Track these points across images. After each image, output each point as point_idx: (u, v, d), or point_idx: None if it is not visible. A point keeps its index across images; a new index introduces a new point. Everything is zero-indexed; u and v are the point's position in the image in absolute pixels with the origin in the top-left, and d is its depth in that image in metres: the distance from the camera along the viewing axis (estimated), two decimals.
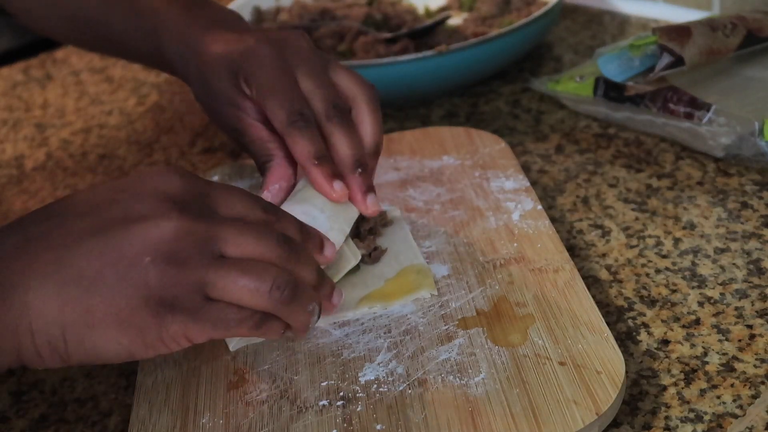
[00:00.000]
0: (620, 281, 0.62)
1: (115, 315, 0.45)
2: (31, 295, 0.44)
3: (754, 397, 0.51)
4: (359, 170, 0.61)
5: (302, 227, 0.52)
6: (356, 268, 0.60)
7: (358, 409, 0.51)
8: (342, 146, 0.60)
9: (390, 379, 0.52)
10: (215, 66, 0.64)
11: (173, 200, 0.47)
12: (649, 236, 0.65)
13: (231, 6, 1.02)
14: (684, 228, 0.66)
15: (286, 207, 0.58)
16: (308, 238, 0.52)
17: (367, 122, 0.63)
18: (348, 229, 0.60)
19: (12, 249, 0.46)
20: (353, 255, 0.59)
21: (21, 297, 0.44)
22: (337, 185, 0.59)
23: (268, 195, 0.61)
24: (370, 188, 0.61)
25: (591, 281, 0.62)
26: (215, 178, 0.76)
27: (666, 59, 0.75)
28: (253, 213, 0.50)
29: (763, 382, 0.52)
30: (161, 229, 0.46)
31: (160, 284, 0.45)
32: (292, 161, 0.62)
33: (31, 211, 0.49)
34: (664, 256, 0.63)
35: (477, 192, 0.68)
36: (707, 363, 0.54)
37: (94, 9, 0.75)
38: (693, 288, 0.60)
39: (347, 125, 0.61)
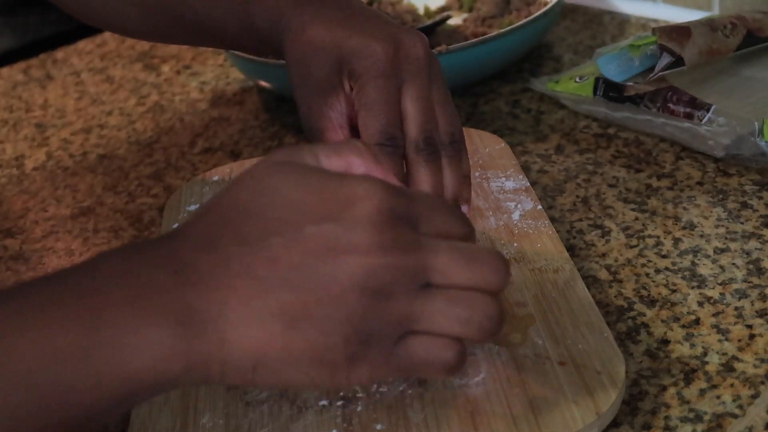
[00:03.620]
0: (620, 281, 0.62)
1: (312, 352, 0.42)
2: (229, 330, 0.41)
3: (754, 397, 0.51)
4: None
5: (497, 251, 0.47)
6: None
7: (358, 409, 0.51)
8: (422, 183, 0.57)
9: (390, 378, 0.52)
10: (319, 50, 0.58)
11: (382, 227, 0.43)
12: (649, 236, 0.65)
13: None
14: (684, 228, 0.66)
15: None
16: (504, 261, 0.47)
17: (447, 169, 0.58)
18: None
19: (210, 272, 0.42)
20: None
21: (219, 332, 0.41)
22: None
23: None
24: None
25: (591, 281, 0.62)
26: (215, 179, 0.76)
27: (666, 59, 0.75)
28: (457, 229, 0.46)
29: (762, 382, 0.52)
30: (370, 264, 0.42)
31: (364, 322, 0.42)
32: None
33: (216, 211, 0.44)
34: (664, 256, 0.63)
35: (477, 192, 0.68)
36: (707, 363, 0.54)
37: None
38: (693, 288, 0.60)
39: (433, 163, 0.57)
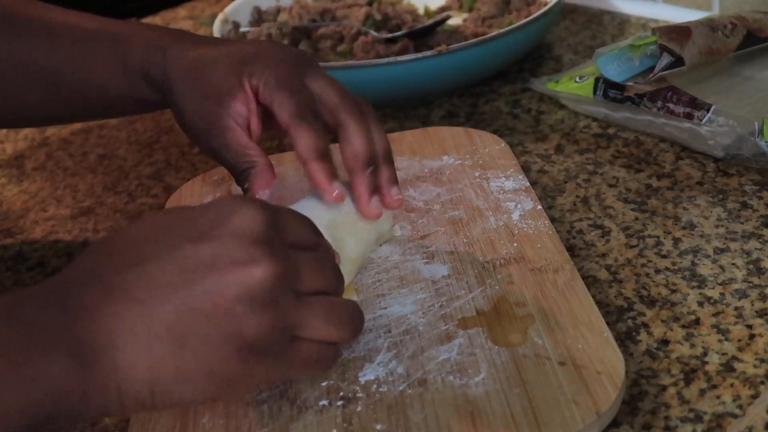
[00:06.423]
0: (620, 281, 0.62)
1: (205, 367, 0.43)
2: (119, 355, 0.42)
3: (754, 397, 0.51)
4: (370, 169, 0.60)
5: (333, 252, 0.52)
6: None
7: (358, 409, 0.51)
8: (356, 139, 0.60)
9: (390, 379, 0.52)
10: (211, 60, 0.63)
11: (257, 241, 0.45)
12: (649, 236, 0.65)
13: (230, 6, 1.02)
14: (684, 228, 0.66)
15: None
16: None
17: (373, 129, 0.62)
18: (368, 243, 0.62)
19: (95, 303, 0.43)
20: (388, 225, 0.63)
21: (110, 358, 0.42)
22: (337, 186, 0.59)
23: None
24: (376, 190, 0.60)
25: (591, 281, 0.62)
26: (215, 178, 0.76)
27: (666, 59, 0.75)
28: (307, 238, 0.49)
29: (762, 382, 0.52)
30: (253, 276, 0.44)
31: (255, 332, 0.44)
32: (273, 169, 0.62)
33: (100, 248, 0.46)
34: (664, 256, 0.63)
35: (477, 192, 0.68)
36: (707, 363, 0.54)
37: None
38: (693, 288, 0.60)
39: (362, 118, 0.60)
